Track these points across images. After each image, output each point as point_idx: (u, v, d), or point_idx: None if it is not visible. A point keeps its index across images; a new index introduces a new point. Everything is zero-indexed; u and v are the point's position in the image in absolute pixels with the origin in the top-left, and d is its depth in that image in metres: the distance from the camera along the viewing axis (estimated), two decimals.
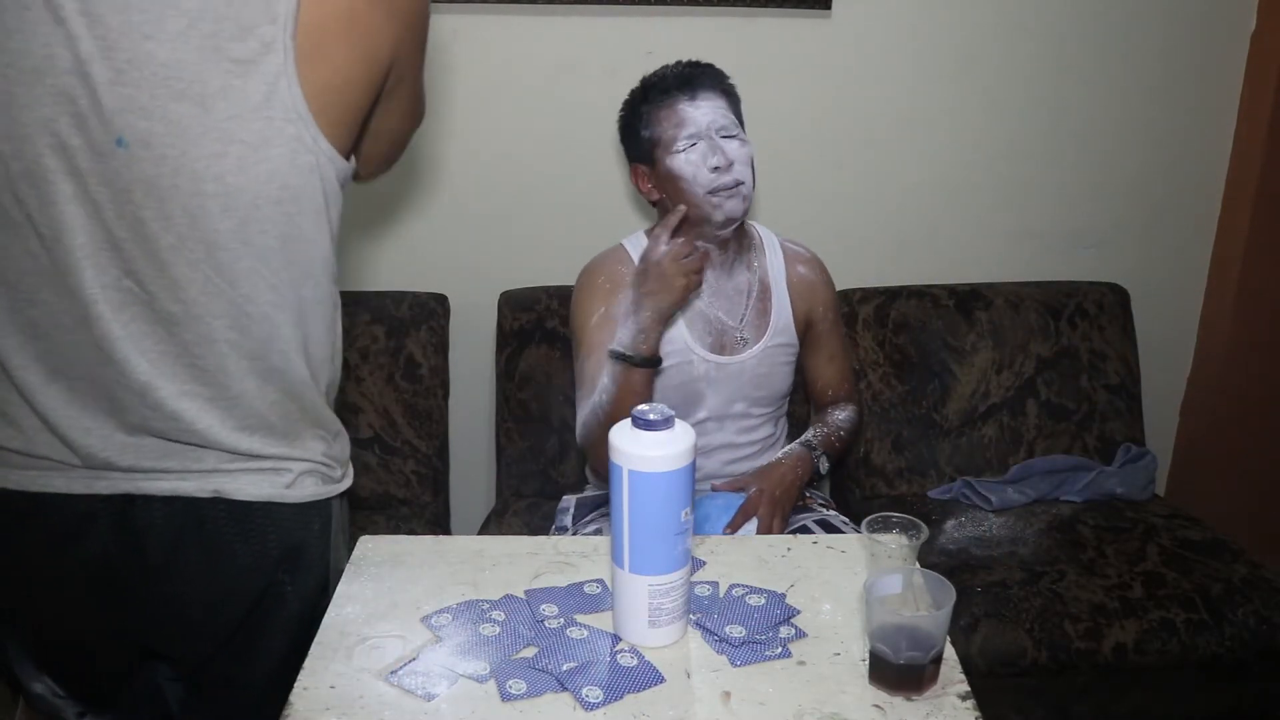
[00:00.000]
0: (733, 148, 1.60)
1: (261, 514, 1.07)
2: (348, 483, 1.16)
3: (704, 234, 1.65)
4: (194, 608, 1.11)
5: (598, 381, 1.61)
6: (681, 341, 1.68)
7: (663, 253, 1.53)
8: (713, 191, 1.60)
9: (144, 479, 1.04)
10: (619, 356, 1.54)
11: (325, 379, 1.11)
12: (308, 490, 1.10)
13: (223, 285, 0.98)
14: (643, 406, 1.00)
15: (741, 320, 1.71)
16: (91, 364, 1.00)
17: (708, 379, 1.69)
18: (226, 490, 1.05)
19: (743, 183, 1.61)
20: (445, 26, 2.07)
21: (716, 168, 1.58)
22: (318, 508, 1.11)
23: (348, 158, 1.04)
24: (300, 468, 1.09)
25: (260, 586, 1.10)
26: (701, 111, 1.61)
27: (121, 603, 1.11)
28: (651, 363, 1.54)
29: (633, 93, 1.69)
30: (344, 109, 0.99)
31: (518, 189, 2.18)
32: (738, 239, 1.71)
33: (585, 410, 1.64)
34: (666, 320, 1.56)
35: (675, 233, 1.63)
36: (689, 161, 1.60)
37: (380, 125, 1.11)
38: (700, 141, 1.60)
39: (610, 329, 1.64)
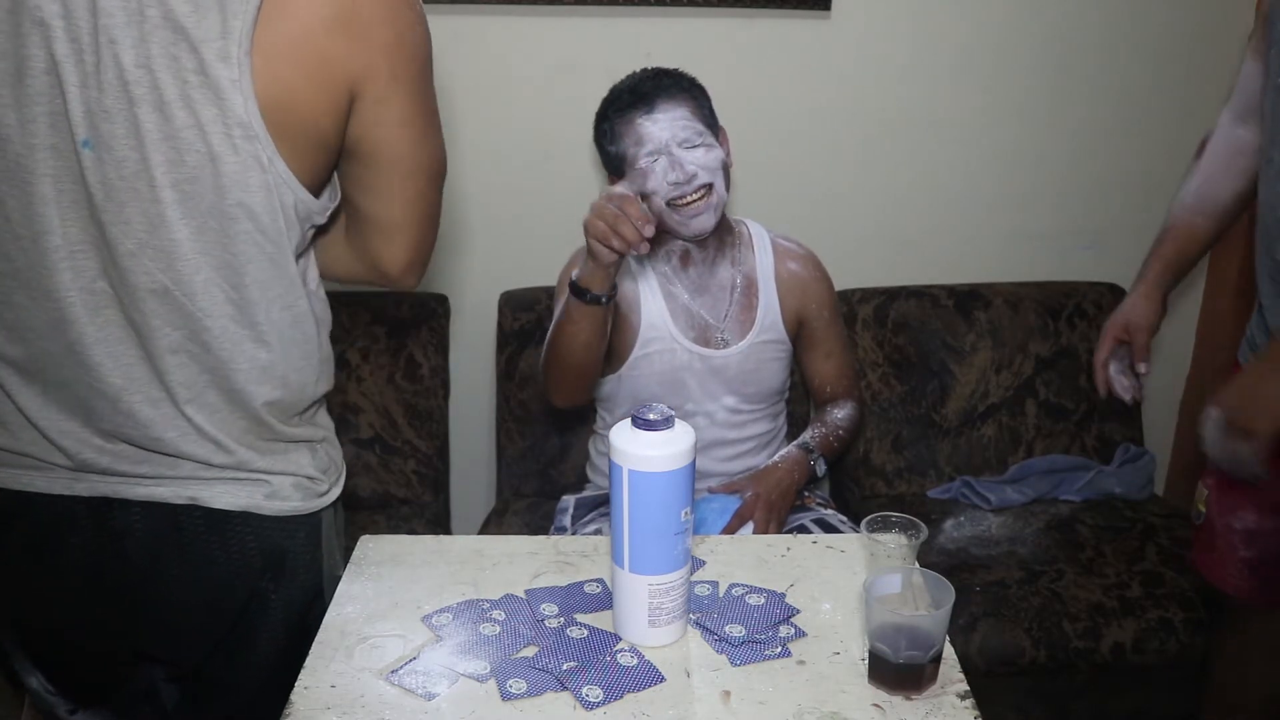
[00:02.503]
0: (696, 156, 1.58)
1: (240, 523, 1.06)
2: (336, 493, 1.15)
3: (678, 236, 1.67)
4: (178, 612, 1.11)
5: None
6: (665, 329, 1.69)
7: (606, 192, 1.44)
8: (675, 206, 1.60)
9: (121, 483, 1.05)
10: (571, 283, 1.51)
11: (309, 401, 1.10)
12: (290, 503, 1.09)
13: (181, 298, 0.97)
14: (642, 406, 1.00)
15: (725, 317, 1.71)
16: (65, 368, 1.00)
17: (691, 369, 1.70)
18: (202, 498, 1.05)
19: (710, 185, 1.59)
20: (445, 26, 2.05)
21: (676, 182, 1.57)
22: (301, 519, 1.10)
23: (317, 194, 1.02)
24: (280, 481, 1.08)
25: (244, 594, 1.10)
26: (660, 126, 1.58)
27: (108, 604, 1.11)
28: (581, 294, 1.49)
29: (599, 108, 1.68)
30: (303, 134, 0.97)
31: (518, 189, 2.19)
32: (719, 235, 1.71)
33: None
34: (602, 263, 1.45)
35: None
36: (648, 176, 1.59)
37: (371, 203, 1.06)
38: (661, 157, 1.58)
39: None
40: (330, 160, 1.02)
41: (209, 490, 1.05)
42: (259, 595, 1.10)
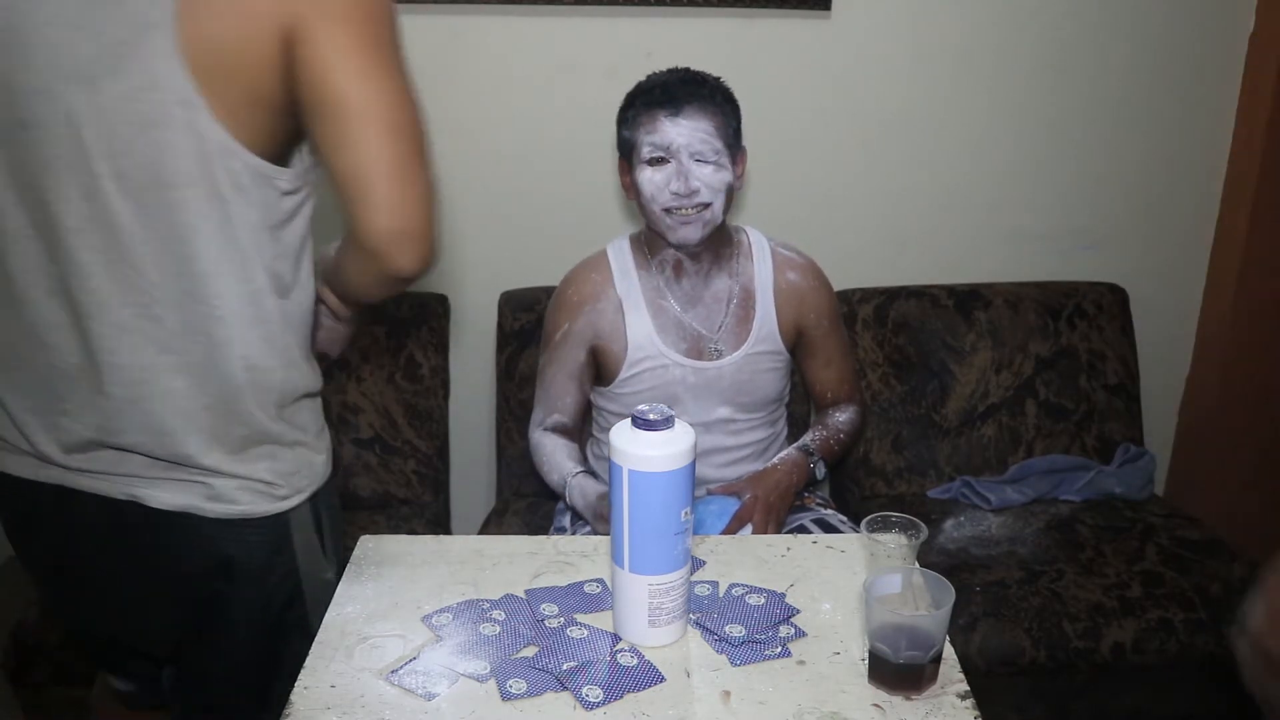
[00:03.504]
0: (704, 173, 1.57)
1: (182, 523, 1.06)
2: (299, 498, 1.10)
3: (663, 240, 1.66)
4: (137, 605, 1.13)
5: (552, 392, 1.72)
6: (653, 347, 1.68)
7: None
8: (669, 212, 1.60)
9: (75, 475, 1.06)
10: (583, 473, 1.63)
11: (276, 391, 1.06)
12: (237, 507, 1.06)
13: (128, 271, 0.97)
14: (642, 406, 1.00)
15: (719, 329, 1.70)
16: (27, 351, 1.01)
17: (684, 383, 1.69)
18: (142, 496, 1.05)
19: (708, 206, 1.59)
20: (445, 26, 2.08)
21: (676, 193, 1.57)
22: (255, 522, 1.08)
23: (278, 160, 0.99)
24: (224, 483, 1.06)
25: (199, 592, 1.10)
26: (680, 130, 1.57)
27: (76, 591, 1.15)
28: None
29: (630, 91, 1.67)
30: (240, 93, 0.93)
31: (518, 189, 2.19)
32: (715, 247, 1.69)
33: (539, 428, 1.74)
34: None
35: (644, 246, 1.71)
36: (651, 180, 1.59)
37: (334, 160, 0.97)
38: (670, 162, 1.58)
39: (569, 345, 1.71)
40: (280, 121, 0.98)
41: (149, 489, 1.05)
42: (217, 595, 1.10)
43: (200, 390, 1.02)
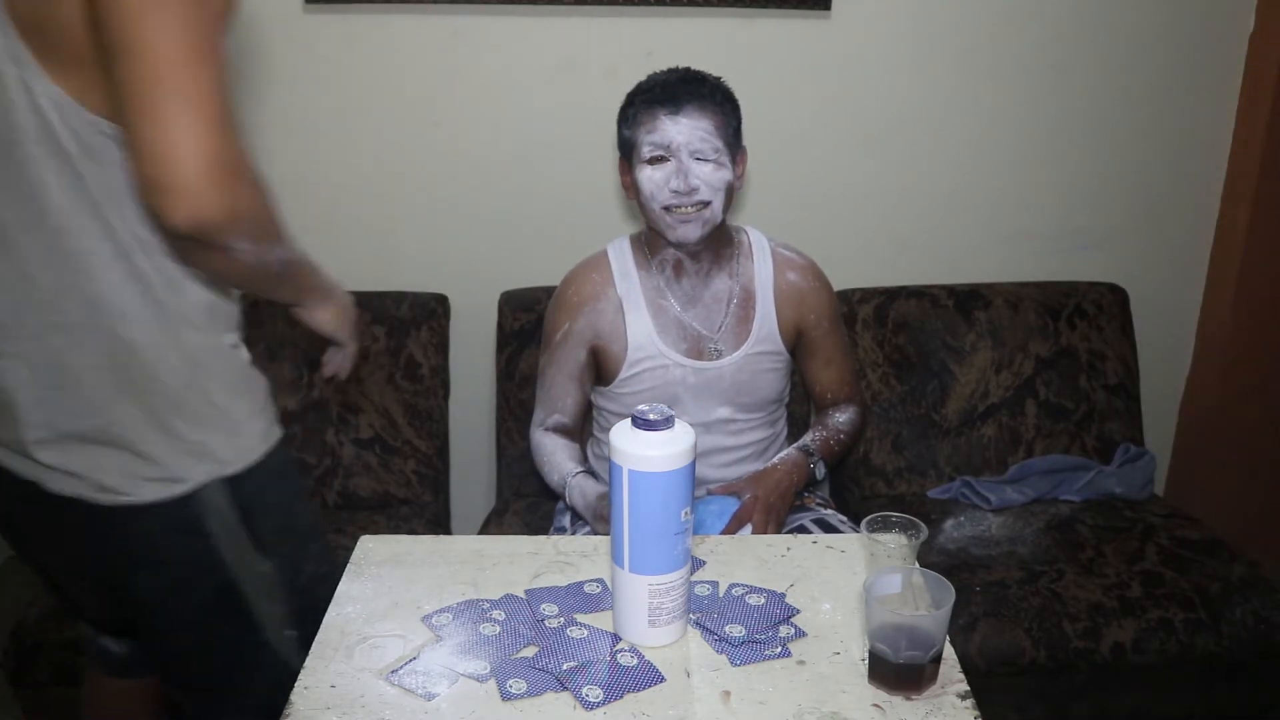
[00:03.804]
0: (704, 171, 1.57)
1: (82, 509, 1.06)
2: (190, 485, 1.06)
3: (663, 238, 1.66)
4: (67, 578, 1.16)
5: (553, 393, 1.72)
6: (653, 347, 1.68)
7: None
8: (669, 210, 1.60)
9: (2, 449, 1.08)
10: (583, 473, 1.63)
11: (172, 346, 1.04)
12: (125, 496, 1.05)
13: None
14: (642, 406, 1.00)
15: (719, 329, 1.70)
16: None
17: (685, 384, 1.69)
18: (41, 479, 1.06)
19: (707, 204, 1.59)
20: (445, 26, 2.08)
21: (676, 190, 1.57)
22: (147, 511, 1.06)
23: (113, 115, 0.94)
24: (109, 477, 1.05)
25: (113, 579, 1.11)
26: (679, 129, 1.57)
27: (26, 557, 1.18)
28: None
29: (630, 90, 1.68)
30: (63, 48, 0.93)
31: (518, 189, 2.19)
32: (715, 247, 1.69)
33: (539, 428, 1.74)
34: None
35: (644, 246, 1.70)
36: (651, 178, 1.59)
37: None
38: (670, 160, 1.58)
39: (570, 346, 1.71)
40: (102, 69, 0.92)
41: (46, 474, 1.06)
42: (129, 581, 1.10)
43: (85, 345, 1.02)
